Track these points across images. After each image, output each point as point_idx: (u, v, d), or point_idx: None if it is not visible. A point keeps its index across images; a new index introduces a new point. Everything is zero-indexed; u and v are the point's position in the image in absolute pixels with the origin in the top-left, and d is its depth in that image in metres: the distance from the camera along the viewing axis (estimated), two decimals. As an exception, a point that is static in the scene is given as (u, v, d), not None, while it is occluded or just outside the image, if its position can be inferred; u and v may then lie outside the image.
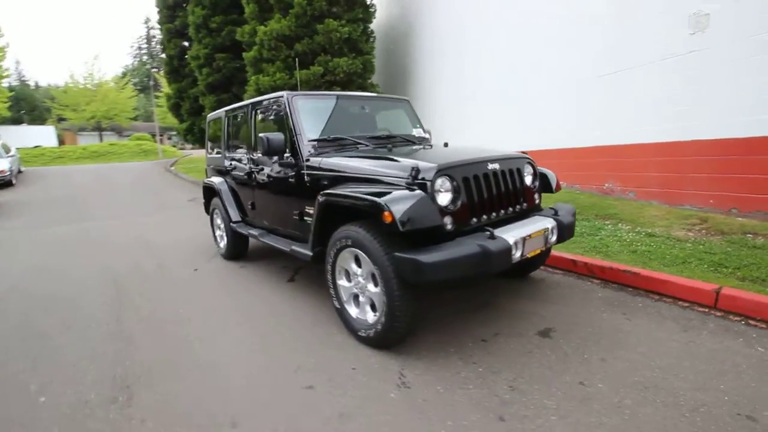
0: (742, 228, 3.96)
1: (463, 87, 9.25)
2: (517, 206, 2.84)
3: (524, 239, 2.45)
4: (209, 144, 5.26)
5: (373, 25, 11.45)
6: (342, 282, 2.73)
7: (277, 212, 3.68)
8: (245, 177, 4.08)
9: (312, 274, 4.11)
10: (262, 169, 3.74)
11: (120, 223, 7.61)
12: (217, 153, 4.90)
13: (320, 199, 2.72)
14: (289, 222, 3.48)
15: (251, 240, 5.12)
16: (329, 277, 2.78)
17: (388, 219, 2.16)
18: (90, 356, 2.71)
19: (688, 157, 4.78)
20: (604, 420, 1.80)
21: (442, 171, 2.40)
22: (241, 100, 13.62)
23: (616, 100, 5.56)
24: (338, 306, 2.76)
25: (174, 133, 42.27)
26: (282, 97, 3.38)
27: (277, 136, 3.18)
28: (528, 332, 2.62)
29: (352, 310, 2.68)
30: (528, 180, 2.97)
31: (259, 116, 3.82)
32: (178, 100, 15.49)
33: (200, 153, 27.12)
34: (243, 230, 4.23)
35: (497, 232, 2.41)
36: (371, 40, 11.30)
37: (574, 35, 6.06)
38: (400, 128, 4.01)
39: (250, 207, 4.13)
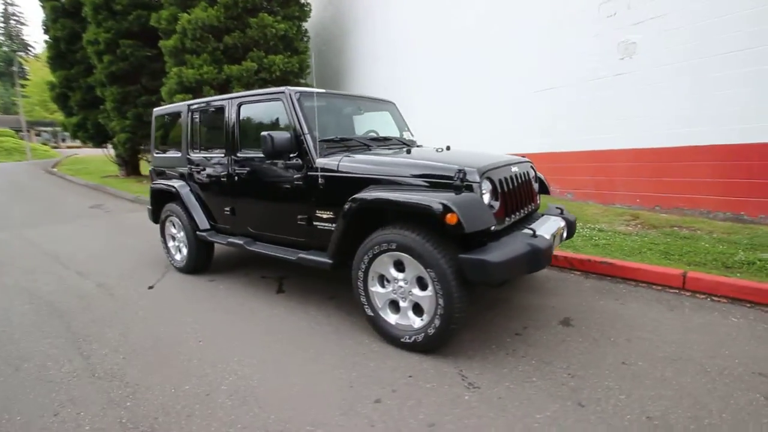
0: (668, 222, 4.78)
1: (398, 92, 9.48)
2: (530, 206, 3.04)
3: (554, 236, 2.64)
4: (155, 142, 4.59)
5: (307, 25, 11.16)
6: (375, 288, 2.62)
7: (271, 218, 3.37)
8: (223, 179, 3.65)
9: (301, 283, 3.84)
10: (252, 171, 3.39)
11: (10, 237, 6.20)
12: (172, 153, 4.31)
13: (351, 205, 2.57)
14: (290, 228, 3.21)
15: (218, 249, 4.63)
16: (360, 284, 2.64)
17: (452, 221, 2.14)
18: (71, 401, 2.17)
19: (617, 163, 5.60)
20: (661, 392, 2.03)
21: (484, 173, 2.47)
22: (156, 93, 12.06)
23: (555, 112, 6.25)
24: (372, 314, 2.63)
25: (46, 128, 35.70)
26: (283, 93, 3.12)
27: (283, 135, 2.93)
28: (551, 323, 2.82)
29: (390, 317, 2.58)
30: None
31: (246, 113, 3.47)
32: (65, 90, 13.16)
33: (89, 152, 23.32)
34: (217, 239, 3.78)
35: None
36: (306, 39, 11.00)
37: (515, 52, 6.67)
38: (387, 130, 3.98)
39: (228, 213, 3.71)
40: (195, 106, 3.95)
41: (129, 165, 13.86)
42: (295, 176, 3.07)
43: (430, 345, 2.40)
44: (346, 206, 2.60)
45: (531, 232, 2.48)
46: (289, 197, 3.16)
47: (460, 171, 2.38)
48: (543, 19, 6.22)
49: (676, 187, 5.06)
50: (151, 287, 3.95)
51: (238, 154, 3.51)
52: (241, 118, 3.50)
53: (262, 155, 3.39)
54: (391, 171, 2.65)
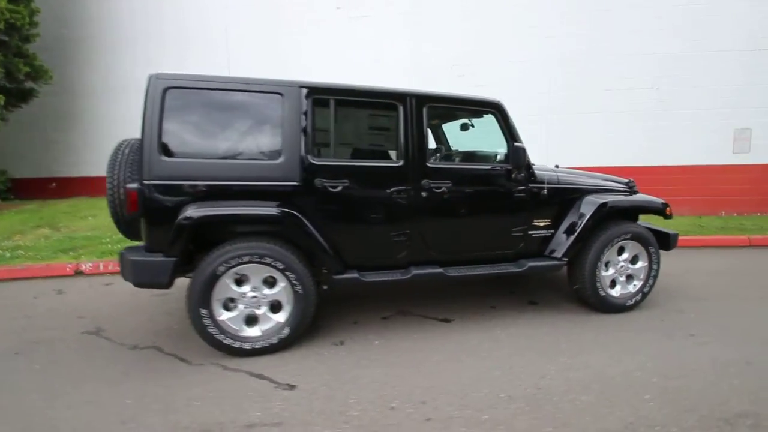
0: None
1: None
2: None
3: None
4: (162, 139, 2.47)
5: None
6: (602, 273, 3.30)
7: (479, 235, 3.10)
8: (399, 196, 2.79)
9: (450, 308, 3.50)
10: (457, 185, 2.94)
11: None
12: (243, 158, 2.57)
13: (602, 209, 3.17)
14: (501, 242, 3.14)
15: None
16: (597, 272, 3.23)
17: (670, 212, 3.37)
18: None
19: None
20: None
21: (632, 182, 3.79)
22: None
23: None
24: (603, 294, 3.28)
25: None
26: (498, 103, 3.02)
27: (524, 147, 2.98)
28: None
29: (612, 291, 3.35)
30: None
31: (432, 117, 2.92)
32: None
33: None
34: (384, 278, 2.84)
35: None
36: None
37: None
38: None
39: (400, 239, 2.85)
40: (325, 92, 2.67)
41: None
42: (517, 188, 3.10)
43: (642, 301, 3.46)
44: (597, 210, 3.16)
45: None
46: (509, 210, 3.11)
47: (630, 180, 3.60)
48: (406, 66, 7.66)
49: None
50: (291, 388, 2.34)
51: (430, 165, 2.88)
52: (424, 121, 2.89)
53: (469, 167, 3.10)
54: (592, 183, 3.44)
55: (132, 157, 2.76)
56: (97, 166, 9.63)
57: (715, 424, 2.03)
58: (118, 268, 4.50)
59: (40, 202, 8.02)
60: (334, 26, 7.66)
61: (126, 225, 2.81)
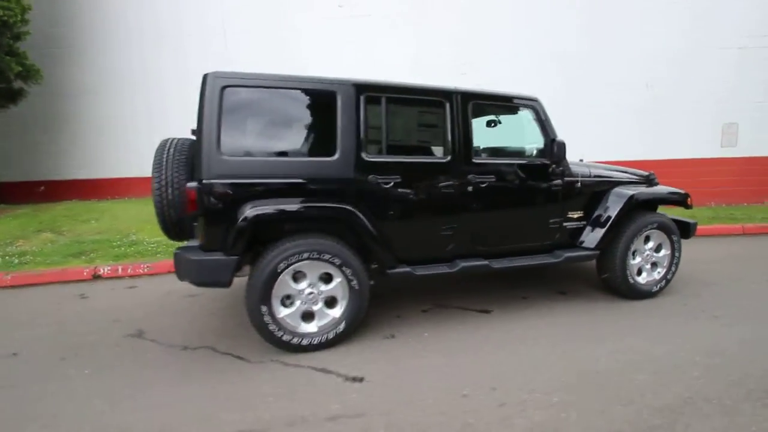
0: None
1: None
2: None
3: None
4: (224, 137, 2.46)
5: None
6: (631, 261, 3.46)
7: (519, 227, 3.21)
8: (447, 191, 2.87)
9: (491, 299, 3.59)
10: (500, 180, 3.04)
11: None
12: (299, 157, 2.59)
13: (629, 199, 3.32)
14: (539, 234, 3.25)
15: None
16: (628, 261, 3.39)
17: (691, 202, 3.55)
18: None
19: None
20: None
21: (650, 174, 3.96)
22: None
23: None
24: (632, 281, 3.44)
25: None
26: (536, 101, 3.13)
27: (565, 142, 3.10)
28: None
29: (639, 279, 3.51)
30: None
31: (475, 113, 2.99)
32: None
33: None
34: (433, 271, 2.90)
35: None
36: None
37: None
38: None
39: (448, 233, 2.92)
40: (377, 90, 2.71)
41: None
42: (554, 182, 3.21)
43: (665, 288, 3.64)
44: (626, 202, 3.31)
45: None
46: (547, 203, 3.23)
47: (651, 173, 3.77)
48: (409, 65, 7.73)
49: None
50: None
51: (475, 161, 2.96)
52: (470, 117, 2.97)
53: (511, 162, 3.20)
54: (618, 176, 3.60)
55: (178, 157, 2.74)
56: (88, 169, 9.35)
57: (765, 396, 2.19)
58: (138, 271, 4.56)
59: (31, 206, 7.70)
60: (336, 24, 7.64)
61: (172, 225, 2.78)
